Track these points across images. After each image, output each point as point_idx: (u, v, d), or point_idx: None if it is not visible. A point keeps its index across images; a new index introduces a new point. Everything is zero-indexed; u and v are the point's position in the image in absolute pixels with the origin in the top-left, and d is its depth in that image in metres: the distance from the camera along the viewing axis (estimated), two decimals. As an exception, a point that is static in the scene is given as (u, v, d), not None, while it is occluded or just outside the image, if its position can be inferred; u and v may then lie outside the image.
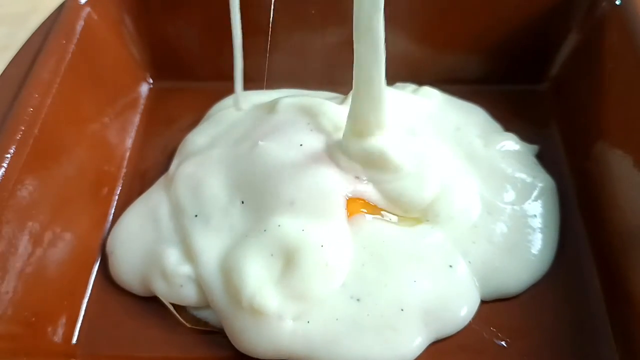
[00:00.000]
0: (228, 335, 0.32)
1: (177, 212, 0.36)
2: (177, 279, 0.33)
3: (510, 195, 0.36)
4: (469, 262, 0.33)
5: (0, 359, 0.28)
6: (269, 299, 0.30)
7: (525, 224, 0.35)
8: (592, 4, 0.38)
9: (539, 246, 0.35)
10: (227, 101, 0.43)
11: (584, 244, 0.35)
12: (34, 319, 0.30)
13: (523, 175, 0.37)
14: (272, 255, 0.32)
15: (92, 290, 0.35)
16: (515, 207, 0.36)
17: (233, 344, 0.31)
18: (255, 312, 0.30)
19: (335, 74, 0.43)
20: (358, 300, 0.32)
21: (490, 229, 0.35)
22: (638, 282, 0.30)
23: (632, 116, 0.33)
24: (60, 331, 0.32)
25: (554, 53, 0.42)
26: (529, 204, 0.36)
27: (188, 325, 0.33)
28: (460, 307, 0.32)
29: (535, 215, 0.36)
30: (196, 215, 0.35)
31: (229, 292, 0.32)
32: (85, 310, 0.34)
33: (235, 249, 0.32)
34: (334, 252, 0.32)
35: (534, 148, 0.40)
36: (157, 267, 0.33)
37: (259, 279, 0.31)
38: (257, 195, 0.34)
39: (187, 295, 0.33)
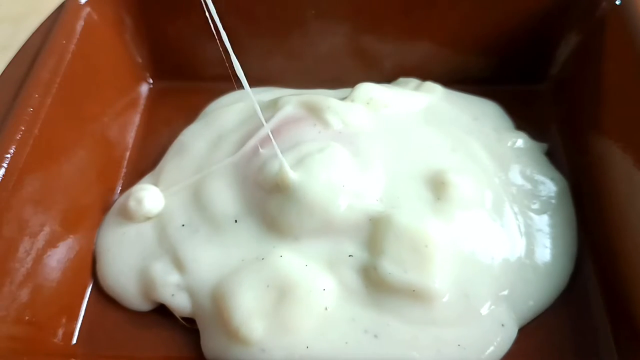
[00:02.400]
0: (203, 344, 0.31)
1: (162, 219, 0.34)
2: (167, 289, 0.32)
3: (535, 205, 0.35)
4: (513, 306, 0.31)
5: (1, 358, 0.28)
6: (255, 331, 0.29)
7: (552, 236, 0.34)
8: (592, 4, 0.38)
9: (563, 259, 0.34)
10: (226, 99, 0.43)
11: (583, 244, 0.35)
12: (34, 319, 0.30)
13: (542, 178, 0.37)
14: (268, 286, 0.30)
15: (91, 290, 0.35)
16: (541, 217, 0.35)
17: (204, 352, 0.31)
18: (240, 340, 0.29)
19: (334, 74, 0.43)
20: (375, 336, 0.29)
21: (530, 258, 0.33)
22: (638, 281, 0.30)
23: (632, 116, 0.33)
24: (60, 331, 0.32)
25: (554, 53, 0.42)
26: (550, 213, 0.35)
27: (188, 325, 0.33)
28: (501, 353, 0.30)
29: (557, 225, 0.35)
30: (183, 225, 0.34)
31: (216, 313, 0.30)
32: (85, 310, 0.34)
33: (230, 275, 0.31)
34: (336, 298, 0.30)
35: (543, 146, 0.39)
36: (147, 277, 0.33)
37: (249, 309, 0.29)
38: (258, 216, 0.32)
39: (180, 303, 0.32)
